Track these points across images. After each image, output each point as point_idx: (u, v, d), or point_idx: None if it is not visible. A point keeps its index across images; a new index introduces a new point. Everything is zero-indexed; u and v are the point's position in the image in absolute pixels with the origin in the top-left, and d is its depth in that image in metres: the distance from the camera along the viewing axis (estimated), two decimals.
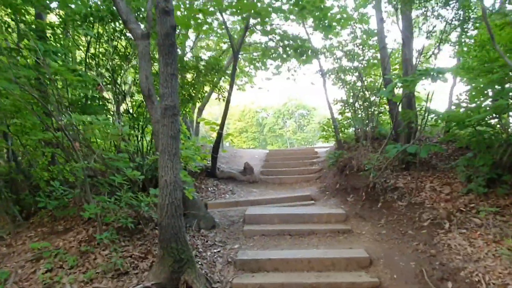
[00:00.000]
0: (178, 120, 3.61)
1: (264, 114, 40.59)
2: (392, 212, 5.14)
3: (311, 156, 10.05)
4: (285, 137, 38.20)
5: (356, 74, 8.59)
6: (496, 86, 4.37)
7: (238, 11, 5.66)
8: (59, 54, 5.47)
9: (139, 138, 6.16)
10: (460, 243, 3.84)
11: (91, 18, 5.50)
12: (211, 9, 5.66)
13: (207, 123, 7.89)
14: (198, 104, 11.97)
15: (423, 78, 5.06)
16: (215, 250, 4.35)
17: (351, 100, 8.74)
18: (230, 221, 5.43)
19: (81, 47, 6.32)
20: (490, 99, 5.28)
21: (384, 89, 7.70)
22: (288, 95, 39.32)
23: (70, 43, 6.11)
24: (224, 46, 12.60)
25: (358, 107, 8.31)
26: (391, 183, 5.77)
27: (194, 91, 6.42)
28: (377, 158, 5.88)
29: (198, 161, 7.93)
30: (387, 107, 8.00)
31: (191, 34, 12.51)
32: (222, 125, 7.21)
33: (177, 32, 6.56)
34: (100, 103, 5.88)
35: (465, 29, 5.86)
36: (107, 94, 6.57)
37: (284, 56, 7.15)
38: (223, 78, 8.63)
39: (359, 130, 7.42)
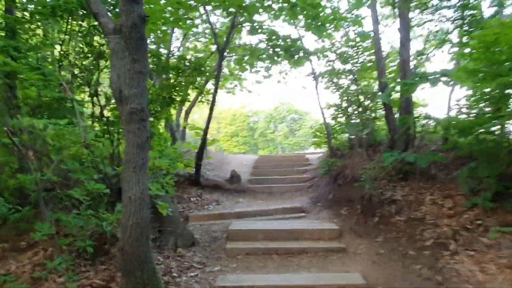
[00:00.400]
0: (146, 126, 3.09)
1: (256, 118, 40.16)
2: (390, 228, 4.67)
3: (302, 163, 9.58)
4: (276, 141, 37.80)
5: (350, 77, 8.18)
6: (509, 91, 3.96)
7: (222, 4, 5.19)
8: (23, 51, 4.93)
9: (114, 145, 5.60)
10: (470, 268, 3.38)
11: (60, 12, 4.96)
12: (193, 2, 5.17)
13: (191, 127, 7.36)
14: (185, 107, 11.46)
15: (424, 82, 4.65)
16: (192, 274, 3.81)
17: (344, 105, 8.32)
18: (212, 237, 4.90)
19: (54, 44, 5.78)
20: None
21: (380, 93, 7.30)
22: (279, 99, 39.01)
23: (38, 40, 5.55)
24: (213, 48, 12.13)
25: (352, 112, 7.89)
26: (388, 195, 5.31)
27: (175, 94, 5.89)
28: (373, 167, 5.43)
29: (181, 169, 7.41)
30: (382, 112, 7.60)
31: (179, 35, 12.01)
32: (206, 130, 6.70)
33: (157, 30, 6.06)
34: (71, 105, 5.33)
35: (468, 30, 5.48)
36: (82, 96, 6.01)
37: (275, 57, 6.70)
38: (212, 81, 8.15)
39: (353, 136, 6.98)
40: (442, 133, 6.42)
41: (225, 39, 5.86)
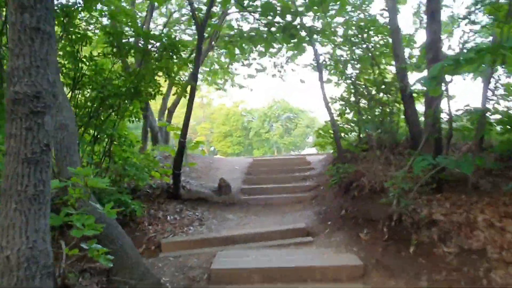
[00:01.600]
0: (45, 124, 1.74)
1: (250, 117, 38.76)
2: (436, 264, 3.36)
3: (303, 167, 8.25)
4: (271, 141, 36.45)
5: (358, 66, 6.87)
6: None
7: None
8: None
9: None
10: None
11: None
12: None
13: (170, 128, 6.01)
14: (169, 104, 10.08)
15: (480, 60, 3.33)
16: None
17: (352, 98, 7.01)
18: (188, 280, 3.54)
19: None
20: None
21: (397, 81, 6.00)
22: (273, 97, 37.65)
23: None
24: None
25: (364, 106, 6.58)
26: (425, 212, 4.00)
27: (144, 84, 4.53)
28: (402, 176, 4.11)
29: (157, 178, 6.04)
30: (399, 106, 6.31)
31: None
32: (184, 131, 5.33)
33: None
34: None
35: None
36: None
37: (270, 38, 5.38)
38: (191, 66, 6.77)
39: (369, 135, 5.68)
40: (477, 131, 5.13)
41: (206, 11, 4.52)
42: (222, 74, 12.20)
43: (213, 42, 9.82)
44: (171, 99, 10.02)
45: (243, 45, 5.70)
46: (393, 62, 6.76)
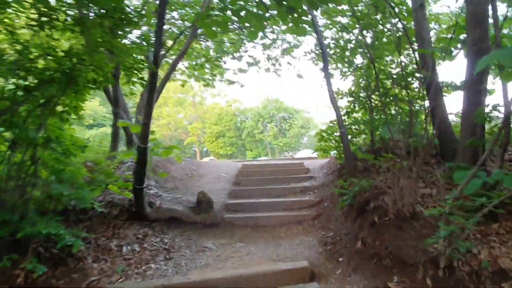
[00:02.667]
0: None
1: (243, 117, 37.42)
2: None
3: (301, 175, 6.96)
4: (265, 142, 35.17)
5: (369, 54, 5.62)
6: None
7: None
8: None
9: None
10: None
11: None
12: None
13: (134, 129, 4.69)
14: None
15: None
16: None
17: (361, 94, 5.76)
18: None
19: None
20: None
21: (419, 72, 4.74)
22: (267, 95, 36.35)
23: None
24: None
25: (379, 103, 5.32)
26: (485, 255, 2.73)
27: (78, 68, 3.19)
28: (454, 202, 2.82)
29: (116, 192, 4.69)
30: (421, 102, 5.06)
31: None
32: (144, 134, 3.97)
33: None
34: None
35: None
36: None
37: (260, 12, 4.08)
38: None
39: (394, 140, 4.41)
40: None
41: None
42: (210, 69, 10.86)
43: (198, 30, 8.54)
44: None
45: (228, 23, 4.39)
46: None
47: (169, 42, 10.17)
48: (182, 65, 11.09)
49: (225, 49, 10.04)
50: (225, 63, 10.32)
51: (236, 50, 10.29)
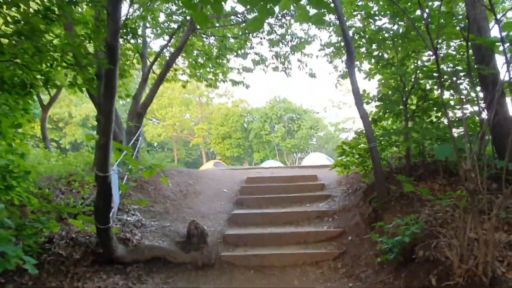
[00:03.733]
0: None
1: (250, 118, 36.32)
2: None
3: (315, 193, 5.84)
4: (273, 143, 33.99)
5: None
6: None
7: None
8: None
9: None
10: None
11: None
12: None
13: (88, 137, 3.68)
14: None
15: None
16: None
17: (392, 97, 4.62)
18: None
19: None
20: None
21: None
22: (275, 95, 35.09)
23: None
24: None
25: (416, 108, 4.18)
26: None
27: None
28: None
29: (81, 228, 3.65)
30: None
31: None
32: (103, 158, 2.86)
33: None
34: None
35: None
36: None
37: None
38: None
39: (460, 159, 3.28)
40: None
41: None
42: (213, 69, 9.79)
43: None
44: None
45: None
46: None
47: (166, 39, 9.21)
48: (183, 64, 10.07)
49: (228, 45, 8.97)
50: (228, 61, 9.23)
51: (241, 47, 9.23)
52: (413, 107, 4.50)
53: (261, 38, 9.08)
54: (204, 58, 8.93)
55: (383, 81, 4.65)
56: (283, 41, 9.12)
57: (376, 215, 3.99)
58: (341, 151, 4.66)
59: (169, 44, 8.70)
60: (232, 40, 9.32)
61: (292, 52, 9.13)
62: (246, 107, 38.39)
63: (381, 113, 4.48)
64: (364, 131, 4.11)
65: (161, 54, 8.86)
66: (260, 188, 6.30)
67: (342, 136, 36.55)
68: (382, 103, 4.46)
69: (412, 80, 4.31)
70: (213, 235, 4.44)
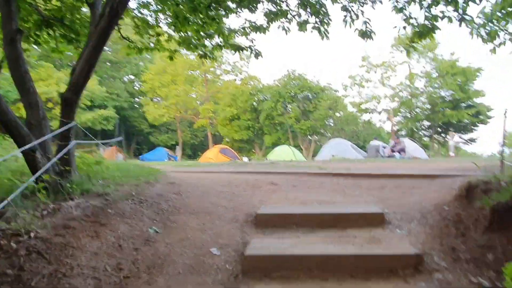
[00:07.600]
0: None
1: (260, 96, 32.70)
2: None
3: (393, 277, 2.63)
4: (286, 125, 30.53)
5: None
6: None
7: None
8: None
9: None
10: None
11: None
12: None
13: None
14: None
15: None
16: None
17: None
18: None
19: None
20: None
21: None
22: (288, 71, 31.16)
23: None
24: None
25: None
26: None
27: None
28: None
29: None
30: None
31: None
32: None
33: None
34: None
35: None
36: None
37: None
38: None
39: None
40: None
41: None
42: (206, 26, 6.39)
43: None
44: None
45: None
46: None
47: None
48: (165, 21, 6.71)
49: None
50: (227, 13, 5.85)
51: None
52: None
53: None
54: (188, 6, 5.54)
55: None
56: None
57: None
58: None
59: None
60: None
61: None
62: (257, 84, 34.76)
63: None
64: None
65: None
66: (281, 263, 3.06)
67: (365, 117, 32.93)
68: None
69: None
70: None
